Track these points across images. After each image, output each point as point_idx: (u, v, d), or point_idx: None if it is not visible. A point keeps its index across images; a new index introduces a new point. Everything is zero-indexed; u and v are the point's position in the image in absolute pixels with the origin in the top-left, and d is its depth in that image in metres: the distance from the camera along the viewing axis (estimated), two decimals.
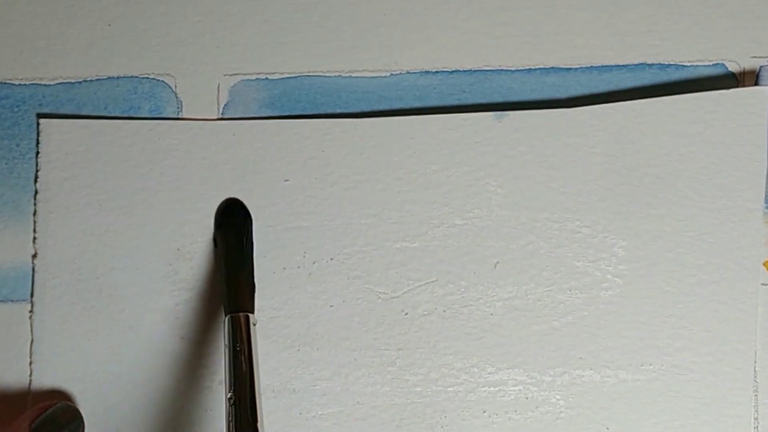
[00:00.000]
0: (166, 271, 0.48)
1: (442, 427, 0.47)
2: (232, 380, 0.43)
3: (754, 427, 0.47)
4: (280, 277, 0.48)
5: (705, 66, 0.48)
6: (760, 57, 0.48)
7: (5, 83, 0.49)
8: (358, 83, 0.49)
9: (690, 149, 0.47)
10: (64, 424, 0.46)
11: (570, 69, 0.49)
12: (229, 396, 0.43)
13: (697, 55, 0.48)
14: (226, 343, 0.44)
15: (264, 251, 0.48)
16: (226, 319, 0.45)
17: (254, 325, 0.45)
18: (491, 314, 0.48)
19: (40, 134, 0.49)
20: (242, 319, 0.45)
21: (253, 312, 0.46)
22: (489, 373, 0.48)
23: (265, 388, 0.48)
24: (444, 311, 0.48)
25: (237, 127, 0.49)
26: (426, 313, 0.48)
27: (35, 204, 0.48)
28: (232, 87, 0.49)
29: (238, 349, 0.44)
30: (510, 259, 0.48)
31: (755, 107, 0.47)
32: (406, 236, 0.48)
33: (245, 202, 0.48)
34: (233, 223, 0.48)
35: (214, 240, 0.48)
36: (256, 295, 0.47)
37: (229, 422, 0.42)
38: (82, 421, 0.47)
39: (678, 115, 0.48)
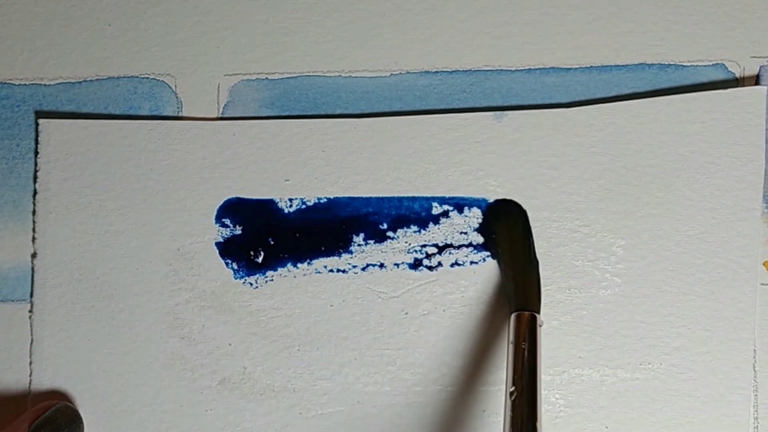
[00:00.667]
0: (166, 271, 0.48)
1: (441, 426, 0.47)
2: (513, 376, 0.44)
3: (754, 427, 0.47)
4: (280, 276, 0.48)
5: (705, 66, 0.48)
6: (760, 57, 0.48)
7: (5, 83, 0.49)
8: (358, 83, 0.49)
9: (688, 149, 0.47)
10: (64, 425, 0.46)
11: (570, 69, 0.49)
12: (510, 390, 0.43)
13: (697, 55, 0.48)
14: (511, 339, 0.45)
15: None
16: (512, 316, 0.45)
17: (540, 326, 0.45)
18: (491, 313, 0.48)
19: (40, 134, 0.49)
20: (527, 317, 0.45)
21: (539, 312, 0.46)
22: (489, 373, 0.48)
23: (265, 387, 0.48)
24: (444, 311, 0.48)
25: (237, 127, 0.49)
26: (426, 312, 0.48)
27: (35, 204, 0.48)
28: (232, 87, 0.49)
29: (523, 347, 0.44)
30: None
31: (753, 107, 0.47)
32: (406, 235, 0.48)
33: (245, 201, 0.48)
34: (517, 220, 0.48)
35: (489, 233, 0.48)
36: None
37: (506, 415, 0.43)
38: (81, 422, 0.47)
39: (676, 115, 0.48)
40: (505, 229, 0.48)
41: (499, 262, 0.48)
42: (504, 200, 0.48)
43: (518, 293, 0.46)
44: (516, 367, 0.44)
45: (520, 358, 0.44)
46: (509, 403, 0.43)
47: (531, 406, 0.43)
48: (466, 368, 0.48)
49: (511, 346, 0.44)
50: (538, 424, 0.43)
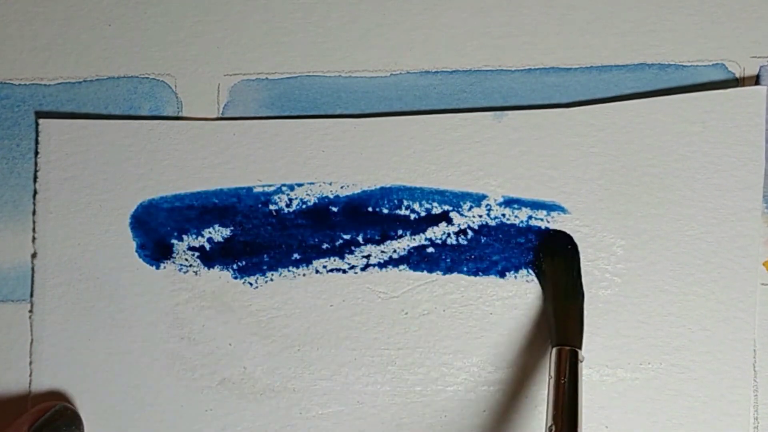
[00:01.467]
0: (166, 271, 0.48)
1: (441, 426, 0.47)
2: (554, 411, 0.44)
3: (754, 427, 0.47)
4: (280, 276, 0.48)
5: (705, 66, 0.48)
6: (760, 57, 0.48)
7: (5, 83, 0.49)
8: (358, 83, 0.49)
9: (688, 149, 0.47)
10: (63, 427, 0.46)
11: (570, 69, 0.49)
12: (549, 425, 0.43)
13: (697, 55, 0.48)
14: (551, 374, 0.45)
15: None
16: (553, 350, 0.45)
17: (581, 361, 0.45)
18: (491, 314, 0.48)
19: (40, 134, 0.49)
20: (567, 353, 0.45)
21: (580, 347, 0.45)
22: (489, 372, 0.48)
23: (265, 388, 0.48)
24: (444, 311, 0.48)
25: (237, 127, 0.49)
26: (426, 312, 0.48)
27: (35, 204, 0.48)
28: (232, 87, 0.49)
29: (562, 382, 0.44)
30: (509, 257, 0.48)
31: (753, 107, 0.47)
32: (406, 235, 0.48)
33: (244, 202, 0.48)
34: (564, 253, 0.48)
35: (538, 266, 0.48)
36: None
37: None
38: (81, 423, 0.47)
39: (676, 115, 0.48)
40: (554, 265, 0.48)
41: (543, 294, 0.47)
42: (557, 233, 0.48)
43: (559, 327, 0.46)
44: (556, 403, 0.44)
45: (560, 394, 0.44)
46: None
47: None
48: (466, 367, 0.48)
49: (551, 381, 0.44)
50: None
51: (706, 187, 0.47)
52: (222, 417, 0.48)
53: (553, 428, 0.43)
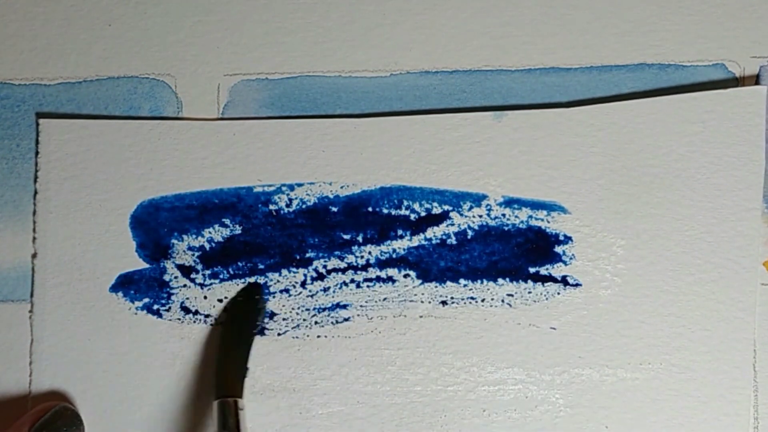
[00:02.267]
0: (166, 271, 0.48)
1: (441, 426, 0.47)
2: None
3: (754, 427, 0.47)
4: (280, 276, 0.48)
5: (705, 66, 0.48)
6: (760, 57, 0.48)
7: (5, 83, 0.49)
8: (358, 83, 0.49)
9: (688, 148, 0.48)
10: (63, 427, 0.46)
11: (570, 69, 0.49)
12: None
13: (697, 55, 0.48)
14: (216, 429, 0.45)
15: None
16: (215, 403, 0.45)
17: (242, 410, 0.45)
18: (491, 314, 0.48)
19: (40, 134, 0.49)
20: (232, 405, 0.45)
21: (241, 396, 0.46)
22: (488, 372, 0.48)
23: (265, 387, 0.48)
24: (444, 311, 0.48)
25: (237, 127, 0.49)
26: (426, 312, 0.48)
27: (35, 204, 0.48)
28: (232, 87, 0.49)
29: None
30: (509, 257, 0.48)
31: (753, 106, 0.47)
32: (406, 235, 0.48)
33: (244, 202, 0.48)
34: (238, 305, 0.48)
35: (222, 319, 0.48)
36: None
37: None
38: (82, 424, 0.47)
39: (676, 115, 0.48)
40: (227, 313, 0.48)
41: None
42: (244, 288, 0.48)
43: (218, 379, 0.47)
44: None
45: None
46: None
47: None
48: (465, 367, 0.48)
49: None
50: None
51: (706, 187, 0.47)
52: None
53: None
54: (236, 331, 0.47)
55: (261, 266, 0.48)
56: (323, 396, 0.48)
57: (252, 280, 0.48)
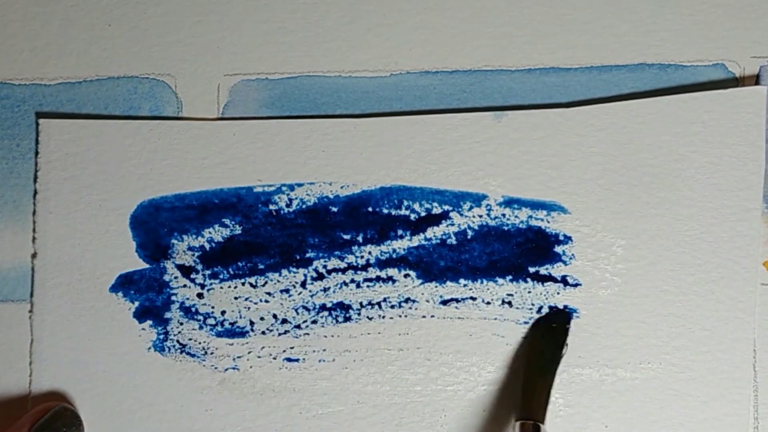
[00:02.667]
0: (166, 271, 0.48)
1: (441, 426, 0.48)
2: None
3: (754, 427, 0.47)
4: (280, 276, 0.48)
5: (705, 66, 0.48)
6: (760, 57, 0.48)
7: (5, 83, 0.49)
8: (358, 83, 0.49)
9: (688, 148, 0.48)
10: (63, 428, 0.46)
11: (570, 69, 0.49)
12: None
13: (697, 55, 0.48)
14: None
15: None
16: (516, 424, 0.45)
17: None
18: (491, 313, 0.48)
19: (40, 134, 0.49)
20: (530, 428, 0.45)
21: (543, 422, 0.45)
22: (488, 372, 0.48)
23: (265, 387, 0.48)
24: (444, 311, 0.48)
25: (237, 127, 0.49)
26: (426, 312, 0.48)
27: (35, 204, 0.48)
28: (232, 87, 0.49)
29: None
30: (509, 257, 0.48)
31: (753, 106, 0.47)
32: (406, 235, 0.48)
33: (244, 202, 0.48)
34: (549, 327, 0.48)
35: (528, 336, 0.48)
36: None
37: None
38: (81, 424, 0.47)
39: (676, 115, 0.48)
40: (539, 339, 0.48)
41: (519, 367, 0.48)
42: (556, 313, 0.48)
43: (525, 401, 0.46)
44: None
45: None
46: None
47: None
48: (465, 367, 0.48)
49: None
50: None
51: (706, 187, 0.47)
52: (222, 417, 0.48)
53: None
54: (548, 356, 0.47)
55: (261, 266, 0.48)
56: (323, 396, 0.48)
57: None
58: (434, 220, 0.48)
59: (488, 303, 0.48)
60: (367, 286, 0.48)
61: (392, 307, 0.48)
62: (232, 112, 0.49)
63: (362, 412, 0.48)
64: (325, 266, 0.48)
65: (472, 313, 0.48)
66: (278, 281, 0.48)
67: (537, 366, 0.47)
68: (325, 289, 0.48)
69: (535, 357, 0.47)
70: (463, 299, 0.48)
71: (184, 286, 0.48)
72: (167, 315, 0.48)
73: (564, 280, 0.48)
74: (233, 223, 0.48)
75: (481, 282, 0.48)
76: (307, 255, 0.48)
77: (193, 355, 0.48)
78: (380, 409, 0.48)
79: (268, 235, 0.48)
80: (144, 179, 0.48)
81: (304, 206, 0.48)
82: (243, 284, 0.48)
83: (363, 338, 0.48)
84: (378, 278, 0.48)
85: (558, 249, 0.48)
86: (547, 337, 0.47)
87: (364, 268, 0.48)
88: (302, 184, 0.48)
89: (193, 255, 0.48)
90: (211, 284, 0.48)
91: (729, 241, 0.47)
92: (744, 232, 0.47)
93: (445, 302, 0.48)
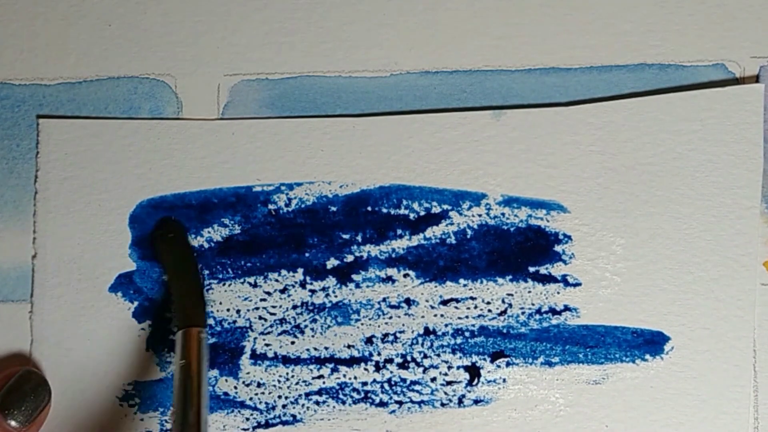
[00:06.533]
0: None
1: (441, 426, 0.47)
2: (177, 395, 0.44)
3: (754, 427, 0.47)
4: (279, 275, 0.48)
5: (705, 66, 0.48)
6: (760, 57, 0.48)
7: (5, 83, 0.49)
8: (358, 83, 0.49)
9: (687, 147, 0.48)
10: (29, 391, 0.46)
11: (570, 69, 0.49)
12: (171, 411, 0.44)
13: (697, 55, 0.48)
14: (179, 358, 0.45)
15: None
16: (180, 333, 0.45)
17: (204, 336, 0.45)
18: (490, 311, 0.48)
19: (40, 134, 0.49)
20: (194, 333, 0.45)
21: (204, 326, 0.46)
22: (488, 372, 0.48)
23: (265, 386, 0.48)
24: (443, 310, 0.48)
25: (237, 127, 0.49)
26: (425, 311, 0.48)
27: (35, 204, 0.49)
28: (232, 87, 0.49)
29: (182, 363, 0.44)
30: (508, 256, 0.48)
31: (751, 104, 0.47)
32: (405, 235, 0.48)
33: (243, 201, 0.48)
34: (173, 234, 0.48)
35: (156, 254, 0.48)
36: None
37: None
38: (47, 386, 0.46)
39: (675, 113, 0.48)
40: (166, 249, 0.48)
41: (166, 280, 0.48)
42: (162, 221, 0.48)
43: (180, 310, 0.47)
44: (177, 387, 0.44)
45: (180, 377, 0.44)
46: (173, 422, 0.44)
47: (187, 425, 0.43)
48: (466, 367, 0.48)
49: (178, 365, 0.45)
50: None
51: (704, 185, 0.47)
52: (222, 417, 0.48)
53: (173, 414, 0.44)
54: (179, 261, 0.47)
55: (260, 266, 0.48)
56: (323, 395, 0.48)
57: (251, 280, 0.48)
58: (433, 219, 0.48)
59: (488, 302, 0.48)
60: (367, 286, 0.48)
61: (392, 306, 0.48)
62: (232, 112, 0.49)
63: (362, 412, 0.48)
64: (324, 266, 0.48)
65: (472, 312, 0.48)
66: (278, 281, 0.48)
67: (180, 272, 0.47)
68: (324, 289, 0.48)
69: (168, 265, 0.48)
70: (462, 299, 0.48)
71: None
72: (167, 315, 0.48)
73: (564, 280, 0.47)
74: (232, 222, 0.48)
75: (481, 282, 0.48)
76: (307, 254, 0.48)
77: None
78: (380, 408, 0.48)
79: (267, 235, 0.48)
80: (144, 179, 0.48)
81: (303, 206, 0.48)
82: (242, 284, 0.48)
83: (362, 338, 0.48)
84: (378, 277, 0.48)
85: (558, 248, 0.48)
86: (169, 243, 0.48)
87: (365, 267, 0.48)
88: (301, 183, 0.48)
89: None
90: (210, 284, 0.48)
91: (728, 240, 0.47)
92: (743, 231, 0.47)
93: (444, 302, 0.48)
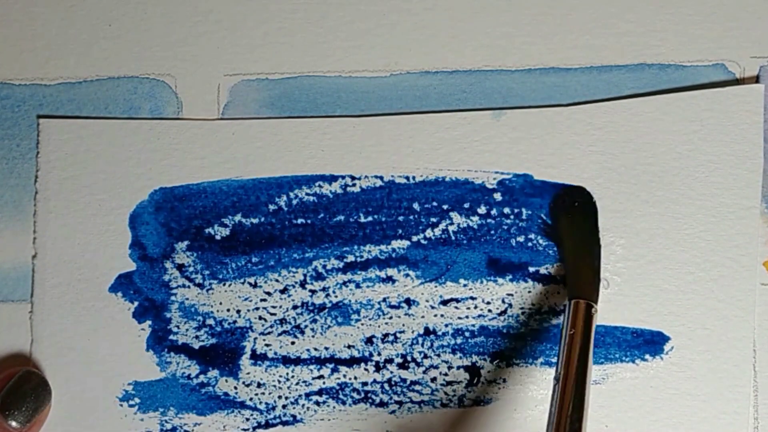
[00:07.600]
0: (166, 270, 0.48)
1: (441, 426, 0.47)
2: (562, 361, 0.44)
3: (754, 427, 0.47)
4: (279, 275, 0.48)
5: (705, 66, 0.48)
6: (760, 57, 0.48)
7: (5, 83, 0.49)
8: (358, 83, 0.49)
9: (687, 147, 0.48)
10: (30, 392, 0.46)
11: (570, 69, 0.49)
12: (555, 375, 0.44)
13: (697, 55, 0.48)
14: (564, 325, 0.45)
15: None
16: (569, 303, 0.45)
17: (595, 312, 0.45)
18: (490, 311, 0.48)
19: (40, 134, 0.49)
20: (582, 306, 0.45)
21: (596, 302, 0.45)
22: (488, 372, 0.48)
23: (265, 387, 0.48)
24: (443, 310, 0.48)
25: (237, 127, 0.49)
26: (425, 311, 0.48)
27: (35, 204, 0.49)
28: (232, 87, 0.49)
29: (571, 333, 0.44)
30: (509, 256, 0.48)
31: (751, 104, 0.47)
32: (405, 235, 0.48)
33: (244, 201, 0.48)
34: (578, 208, 0.48)
35: (552, 222, 0.48)
36: None
37: (553, 400, 0.43)
38: (48, 386, 0.47)
39: (675, 113, 0.48)
40: (570, 219, 0.48)
41: (559, 249, 0.48)
42: (572, 189, 0.48)
43: (572, 281, 0.46)
44: (563, 354, 0.44)
45: (567, 345, 0.44)
46: (554, 386, 0.44)
47: (577, 393, 0.43)
48: (466, 367, 0.48)
49: (564, 332, 0.45)
50: (585, 410, 0.43)
51: (704, 185, 0.47)
52: (222, 417, 0.48)
53: (559, 377, 0.43)
54: (586, 232, 0.47)
55: (260, 266, 0.48)
56: (323, 395, 0.48)
57: (249, 280, 0.48)
58: (433, 219, 0.48)
59: (488, 302, 0.48)
60: (367, 286, 0.48)
61: (393, 304, 0.48)
62: (232, 113, 0.49)
63: (362, 412, 0.48)
64: (324, 266, 0.48)
65: (472, 311, 0.48)
66: (278, 281, 0.48)
67: (575, 245, 0.47)
68: (324, 289, 0.48)
69: (570, 236, 0.47)
70: (463, 299, 0.48)
71: (184, 285, 0.48)
72: (167, 315, 0.48)
73: (564, 280, 0.48)
74: (233, 222, 0.48)
75: (481, 282, 0.48)
76: (307, 254, 0.48)
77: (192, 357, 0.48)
78: (380, 408, 0.48)
79: (267, 235, 0.48)
80: (144, 179, 0.48)
81: (303, 206, 0.48)
82: (243, 284, 0.48)
83: (363, 338, 0.48)
84: (378, 278, 0.48)
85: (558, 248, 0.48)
86: (576, 214, 0.47)
87: (365, 267, 0.48)
88: (301, 183, 0.48)
89: (193, 255, 0.48)
90: (210, 284, 0.48)
91: (728, 240, 0.47)
92: (743, 231, 0.47)
93: (444, 302, 0.48)
